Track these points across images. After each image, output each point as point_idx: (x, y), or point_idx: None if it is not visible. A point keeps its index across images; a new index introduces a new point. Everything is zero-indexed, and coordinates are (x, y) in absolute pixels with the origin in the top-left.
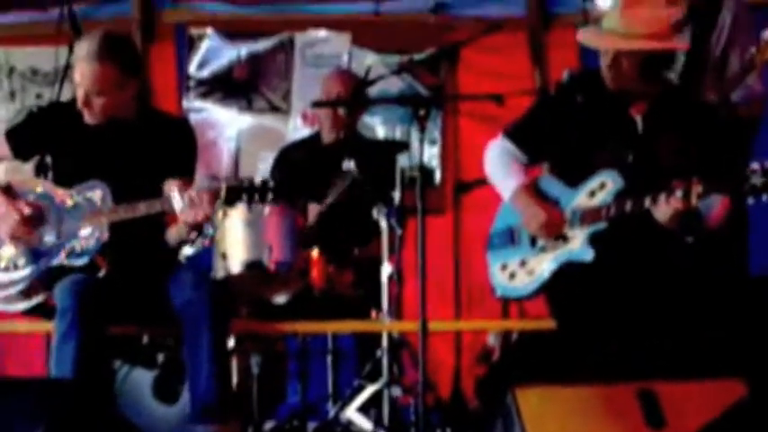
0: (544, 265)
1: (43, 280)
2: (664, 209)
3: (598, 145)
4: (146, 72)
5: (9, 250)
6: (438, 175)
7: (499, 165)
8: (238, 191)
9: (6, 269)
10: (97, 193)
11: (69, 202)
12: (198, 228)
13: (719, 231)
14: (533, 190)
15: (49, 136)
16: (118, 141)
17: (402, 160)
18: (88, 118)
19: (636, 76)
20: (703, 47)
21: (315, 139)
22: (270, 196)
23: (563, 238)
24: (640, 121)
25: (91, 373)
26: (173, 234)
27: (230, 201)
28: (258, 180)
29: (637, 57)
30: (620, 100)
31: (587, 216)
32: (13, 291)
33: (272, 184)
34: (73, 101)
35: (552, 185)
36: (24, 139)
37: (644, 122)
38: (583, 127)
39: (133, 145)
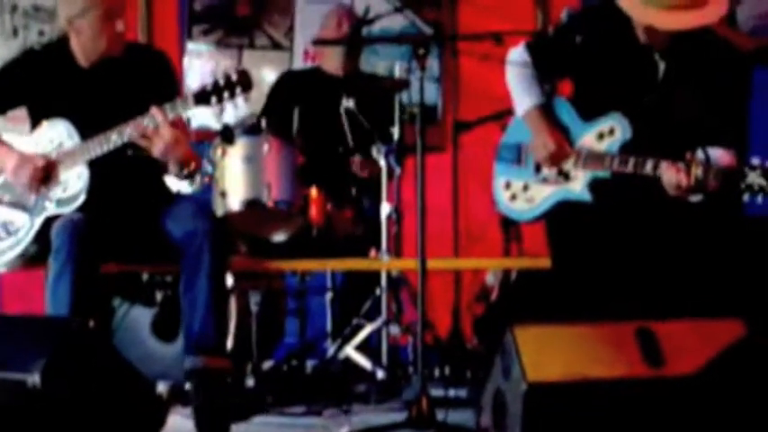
0: (543, 196)
1: (39, 238)
2: (664, 178)
3: (618, 82)
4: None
5: None
6: (439, 112)
7: (519, 77)
8: (205, 95)
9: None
10: (61, 133)
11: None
12: (177, 161)
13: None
14: (546, 112)
15: (28, 84)
16: (106, 79)
17: (402, 97)
18: (101, 49)
19: (670, 36)
20: None
21: (315, 72)
22: (238, 89)
23: (565, 176)
24: (663, 68)
25: (87, 311)
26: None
27: (200, 101)
28: (221, 78)
29: None
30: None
31: (591, 160)
32: (11, 254)
33: (234, 77)
34: (51, 44)
35: (565, 111)
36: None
37: (666, 69)
38: (605, 60)
39: (120, 81)
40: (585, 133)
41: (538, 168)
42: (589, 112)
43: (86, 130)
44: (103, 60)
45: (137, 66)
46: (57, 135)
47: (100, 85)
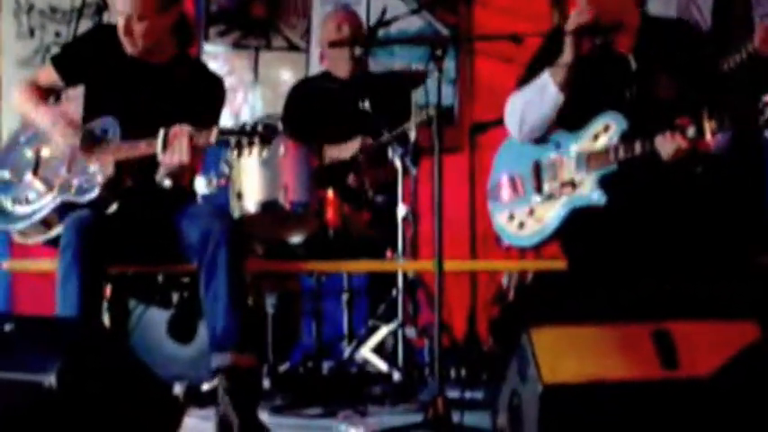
0: (553, 211)
1: (58, 213)
2: (673, 146)
3: (595, 90)
4: None
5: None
6: (455, 113)
7: (522, 95)
8: (229, 133)
9: (19, 202)
10: (106, 124)
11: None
12: (174, 174)
13: (731, 162)
14: None
15: (91, 62)
16: (151, 80)
17: (418, 98)
18: (128, 47)
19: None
20: None
21: (325, 77)
22: (256, 141)
23: (571, 184)
24: (632, 59)
25: (95, 309)
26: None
27: (222, 136)
28: (248, 125)
29: None
30: (608, 42)
31: (594, 159)
32: (30, 222)
33: (260, 128)
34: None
35: (552, 134)
36: (70, 65)
37: (636, 59)
38: (578, 75)
39: (165, 87)
40: (579, 140)
41: (539, 188)
42: (576, 126)
43: (129, 126)
44: (154, 61)
45: (195, 83)
46: (104, 125)
47: (153, 88)
